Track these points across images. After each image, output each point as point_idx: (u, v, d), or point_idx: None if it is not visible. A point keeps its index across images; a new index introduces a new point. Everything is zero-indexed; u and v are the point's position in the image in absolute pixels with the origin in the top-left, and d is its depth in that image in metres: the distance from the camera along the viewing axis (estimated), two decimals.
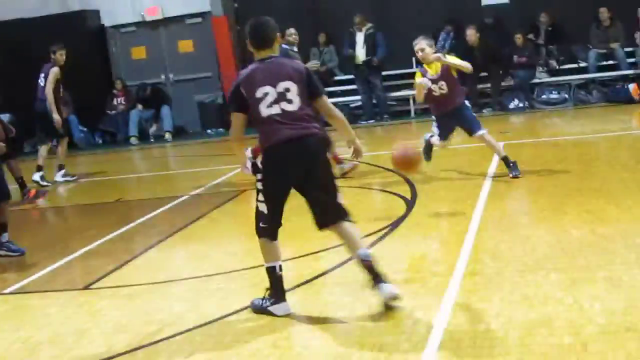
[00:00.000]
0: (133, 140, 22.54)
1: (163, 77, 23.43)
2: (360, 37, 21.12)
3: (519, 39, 20.33)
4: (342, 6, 21.64)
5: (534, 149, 14.35)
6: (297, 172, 6.50)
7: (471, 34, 20.19)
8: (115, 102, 23.01)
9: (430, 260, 8.11)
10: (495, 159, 11.99)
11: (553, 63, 20.66)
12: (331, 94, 21.47)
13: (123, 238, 10.56)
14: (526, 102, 20.19)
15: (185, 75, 23.51)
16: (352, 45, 21.20)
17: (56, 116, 15.60)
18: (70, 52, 20.97)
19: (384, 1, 21.87)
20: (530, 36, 20.69)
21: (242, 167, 6.82)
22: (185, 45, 23.35)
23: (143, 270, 8.87)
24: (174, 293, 7.83)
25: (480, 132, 11.37)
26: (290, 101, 6.36)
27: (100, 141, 23.22)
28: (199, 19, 23.18)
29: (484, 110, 19.78)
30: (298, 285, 7.38)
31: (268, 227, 6.65)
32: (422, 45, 11.34)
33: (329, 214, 6.69)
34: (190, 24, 23.35)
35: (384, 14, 21.71)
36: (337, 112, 6.74)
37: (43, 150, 15.99)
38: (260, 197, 6.61)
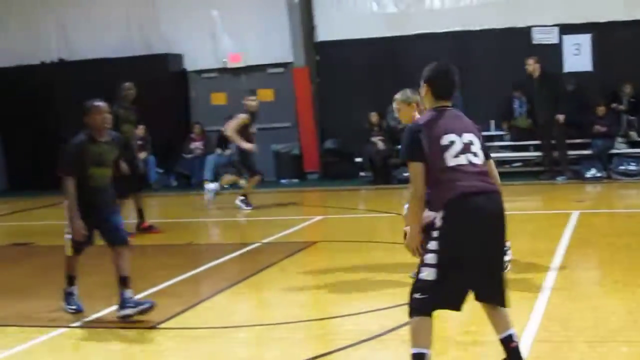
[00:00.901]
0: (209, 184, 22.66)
1: None
2: None
3: (600, 108, 20.13)
4: (421, 63, 21.57)
5: (608, 219, 14.17)
6: (485, 229, 5.78)
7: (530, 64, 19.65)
8: (192, 146, 23.22)
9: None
10: (570, 225, 11.85)
11: (633, 134, 20.42)
12: None
13: (192, 281, 10.62)
14: (604, 172, 19.94)
15: (263, 124, 23.61)
16: None
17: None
18: (151, 94, 21.39)
19: (462, 61, 21.83)
20: (614, 105, 20.49)
21: (411, 233, 5.99)
22: (265, 94, 23.48)
23: (210, 314, 8.90)
24: (239, 339, 7.85)
25: None
26: (475, 154, 5.84)
27: (175, 183, 23.40)
28: (281, 69, 23.36)
29: (557, 178, 19.55)
30: (364, 341, 7.35)
31: (429, 299, 5.77)
32: None
33: (497, 292, 5.96)
34: (271, 74, 23.54)
35: (461, 75, 21.61)
36: (498, 179, 6.13)
37: None
38: (430, 260, 5.75)
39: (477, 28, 21.43)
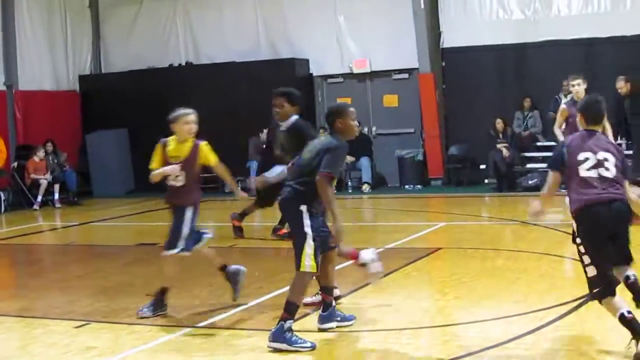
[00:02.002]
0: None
1: (366, 129, 23.62)
2: None
3: None
4: (548, 71, 21.30)
5: None
6: (605, 232, 6.96)
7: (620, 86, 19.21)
8: None
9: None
10: None
11: None
12: (532, 160, 21.22)
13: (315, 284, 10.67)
14: None
15: (388, 129, 23.68)
16: (556, 110, 20.75)
17: None
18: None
19: (590, 69, 21.38)
20: None
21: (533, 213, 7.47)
22: (390, 100, 23.54)
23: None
24: (363, 343, 7.88)
25: None
26: (607, 169, 6.99)
27: None
28: (406, 75, 23.35)
29: None
30: (487, 348, 7.31)
31: (602, 288, 6.92)
32: None
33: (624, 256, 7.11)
34: (397, 79, 23.55)
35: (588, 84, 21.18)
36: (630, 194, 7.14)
37: None
38: (586, 260, 7.02)
39: (605, 35, 21.01)
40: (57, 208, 21.69)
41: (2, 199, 21.35)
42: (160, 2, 25.56)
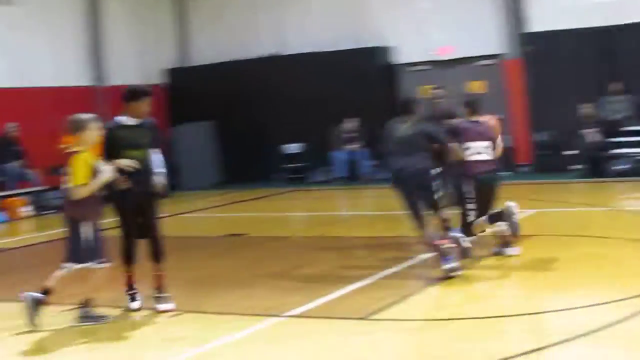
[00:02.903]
0: None
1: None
2: None
3: None
4: (637, 55, 20.90)
5: None
6: None
7: None
8: None
9: None
10: None
11: None
12: (621, 145, 20.79)
13: (402, 273, 10.65)
14: None
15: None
16: None
17: None
18: (361, 87, 21.65)
19: None
20: None
21: None
22: (476, 87, 23.35)
23: (423, 306, 8.96)
24: (449, 330, 7.85)
25: None
26: None
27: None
28: (491, 61, 23.14)
29: None
30: (578, 337, 7.22)
31: None
32: None
33: None
34: (482, 66, 23.33)
35: None
36: None
37: None
38: None
39: None
40: None
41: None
42: None
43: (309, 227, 16.00)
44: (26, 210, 20.07)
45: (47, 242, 15.07)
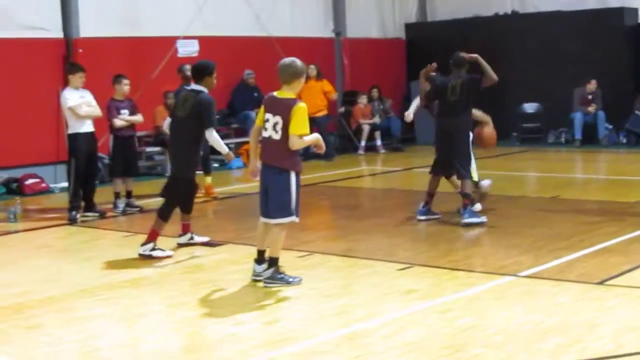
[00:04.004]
0: None
1: None
2: None
3: None
4: None
5: None
6: None
7: None
8: None
9: None
10: None
11: None
12: None
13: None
14: None
15: None
16: None
17: None
18: (602, 48, 21.02)
19: None
20: None
21: None
22: None
23: None
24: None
25: None
26: None
27: (625, 141, 22.77)
28: None
29: None
30: None
31: None
32: None
33: None
34: None
35: None
36: None
37: None
38: None
39: None
40: (380, 153, 22.26)
41: (331, 143, 22.12)
42: None
43: (543, 188, 15.81)
44: None
45: None
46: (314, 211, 13.69)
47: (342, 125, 23.05)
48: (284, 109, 8.47)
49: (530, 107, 23.40)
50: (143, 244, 10.24)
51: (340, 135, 23.25)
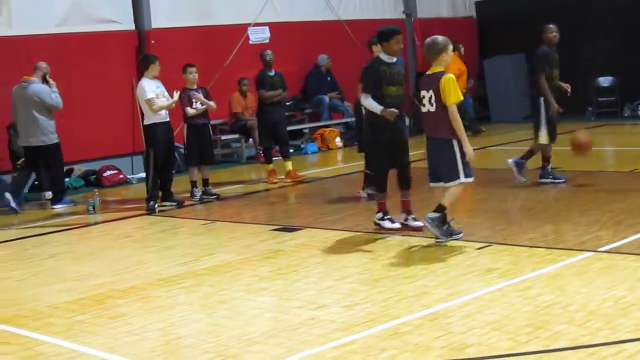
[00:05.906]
0: None
1: None
2: None
3: None
4: None
5: None
6: None
7: None
8: None
9: None
10: None
11: None
12: None
13: None
14: None
15: None
16: None
17: None
18: None
19: None
20: None
21: None
22: None
23: None
24: None
25: None
26: None
27: None
28: None
29: None
30: None
31: None
32: None
33: None
34: None
35: None
36: None
37: None
38: None
39: None
40: None
41: (407, 124, 22.00)
42: None
43: (620, 162, 15.60)
44: (337, 141, 20.65)
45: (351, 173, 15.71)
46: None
47: (416, 106, 22.90)
48: (433, 82, 9.33)
49: (605, 81, 23.10)
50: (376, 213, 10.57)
51: (413, 116, 23.14)
